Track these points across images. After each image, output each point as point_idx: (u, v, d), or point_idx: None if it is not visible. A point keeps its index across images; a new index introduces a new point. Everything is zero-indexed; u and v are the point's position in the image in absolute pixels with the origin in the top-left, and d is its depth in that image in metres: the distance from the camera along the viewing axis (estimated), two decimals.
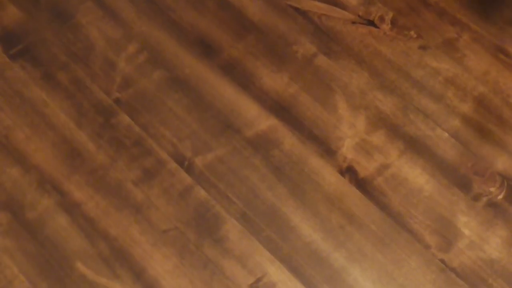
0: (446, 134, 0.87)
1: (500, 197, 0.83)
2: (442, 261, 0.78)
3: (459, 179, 0.84)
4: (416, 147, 0.86)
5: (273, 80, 0.91)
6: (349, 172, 0.84)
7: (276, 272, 0.77)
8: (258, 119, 0.88)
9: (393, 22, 0.97)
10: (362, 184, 0.84)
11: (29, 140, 0.86)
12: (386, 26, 0.97)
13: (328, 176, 0.84)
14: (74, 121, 0.88)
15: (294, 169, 0.84)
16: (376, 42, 0.95)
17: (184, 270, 0.77)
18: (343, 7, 0.98)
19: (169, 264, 0.78)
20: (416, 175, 0.84)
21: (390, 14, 0.98)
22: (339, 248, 0.79)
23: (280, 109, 0.89)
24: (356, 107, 0.89)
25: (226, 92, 0.90)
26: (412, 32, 0.96)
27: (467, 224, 0.81)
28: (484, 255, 0.79)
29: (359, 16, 0.98)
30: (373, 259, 0.78)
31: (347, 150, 0.86)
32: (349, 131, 0.87)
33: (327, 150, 0.86)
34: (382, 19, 0.98)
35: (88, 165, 0.84)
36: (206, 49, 0.94)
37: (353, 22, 0.97)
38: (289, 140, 0.86)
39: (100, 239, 0.79)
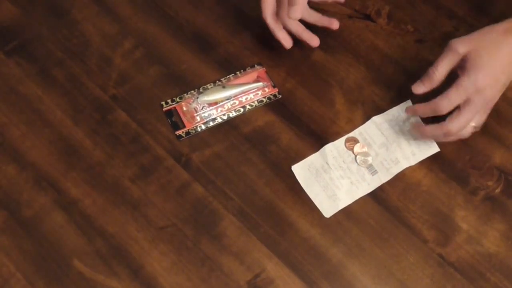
0: None
1: (498, 191, 0.83)
2: (440, 255, 0.78)
3: (456, 173, 0.84)
4: None
5: (270, 75, 0.91)
6: None
7: (274, 268, 0.77)
8: (255, 114, 0.88)
9: (390, 16, 0.97)
10: None
11: (24, 137, 0.86)
12: (382, 20, 0.97)
13: None
14: (70, 117, 0.87)
15: (291, 165, 0.84)
16: (373, 36, 0.95)
17: (182, 267, 0.77)
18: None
19: (167, 261, 0.77)
20: (414, 170, 0.84)
21: (387, 8, 0.98)
22: (337, 243, 0.79)
23: (277, 104, 0.89)
24: (353, 102, 0.89)
25: None
26: (409, 26, 0.96)
27: (465, 218, 0.81)
28: (482, 249, 0.79)
29: (355, 10, 0.98)
30: (371, 254, 0.78)
31: None
32: (347, 126, 0.87)
33: (325, 145, 0.86)
34: (378, 13, 0.98)
35: (85, 162, 0.84)
36: (202, 44, 0.94)
37: (350, 17, 0.97)
38: (286, 136, 0.86)
39: (97, 237, 0.79)
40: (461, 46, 0.77)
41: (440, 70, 0.79)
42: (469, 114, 0.77)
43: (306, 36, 0.89)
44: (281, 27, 0.88)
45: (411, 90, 0.82)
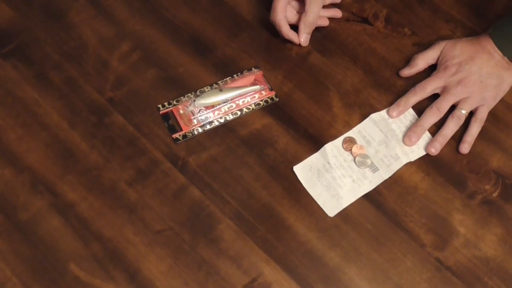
0: None
1: (495, 194, 0.83)
2: (438, 259, 0.78)
3: (454, 177, 0.84)
4: None
5: (267, 78, 0.91)
6: None
7: (271, 272, 0.77)
8: (252, 117, 0.88)
9: (387, 19, 0.97)
10: None
11: (21, 140, 0.85)
12: (380, 24, 0.97)
13: None
14: (67, 121, 0.87)
15: (289, 168, 0.84)
16: (370, 39, 0.95)
17: (179, 270, 0.77)
18: (337, 4, 0.98)
19: (164, 265, 0.77)
20: (411, 173, 0.84)
21: (384, 11, 0.98)
22: (334, 247, 0.79)
23: (274, 107, 0.89)
24: (350, 105, 0.89)
25: None
26: (406, 29, 0.96)
27: (462, 222, 0.81)
28: (480, 253, 0.79)
29: (353, 13, 0.98)
30: (369, 258, 0.78)
31: None
32: (344, 129, 0.87)
33: (325, 145, 0.85)
34: (376, 16, 0.98)
35: (81, 165, 0.84)
36: (199, 47, 0.94)
37: (347, 20, 0.97)
38: (283, 139, 0.86)
39: (93, 240, 0.78)
40: (443, 42, 0.91)
41: (420, 56, 0.91)
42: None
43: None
44: (289, 27, 0.92)
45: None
